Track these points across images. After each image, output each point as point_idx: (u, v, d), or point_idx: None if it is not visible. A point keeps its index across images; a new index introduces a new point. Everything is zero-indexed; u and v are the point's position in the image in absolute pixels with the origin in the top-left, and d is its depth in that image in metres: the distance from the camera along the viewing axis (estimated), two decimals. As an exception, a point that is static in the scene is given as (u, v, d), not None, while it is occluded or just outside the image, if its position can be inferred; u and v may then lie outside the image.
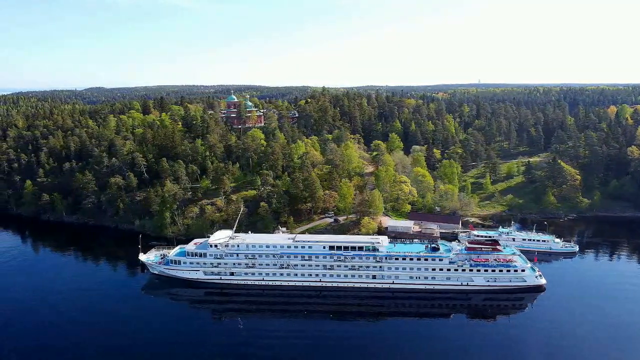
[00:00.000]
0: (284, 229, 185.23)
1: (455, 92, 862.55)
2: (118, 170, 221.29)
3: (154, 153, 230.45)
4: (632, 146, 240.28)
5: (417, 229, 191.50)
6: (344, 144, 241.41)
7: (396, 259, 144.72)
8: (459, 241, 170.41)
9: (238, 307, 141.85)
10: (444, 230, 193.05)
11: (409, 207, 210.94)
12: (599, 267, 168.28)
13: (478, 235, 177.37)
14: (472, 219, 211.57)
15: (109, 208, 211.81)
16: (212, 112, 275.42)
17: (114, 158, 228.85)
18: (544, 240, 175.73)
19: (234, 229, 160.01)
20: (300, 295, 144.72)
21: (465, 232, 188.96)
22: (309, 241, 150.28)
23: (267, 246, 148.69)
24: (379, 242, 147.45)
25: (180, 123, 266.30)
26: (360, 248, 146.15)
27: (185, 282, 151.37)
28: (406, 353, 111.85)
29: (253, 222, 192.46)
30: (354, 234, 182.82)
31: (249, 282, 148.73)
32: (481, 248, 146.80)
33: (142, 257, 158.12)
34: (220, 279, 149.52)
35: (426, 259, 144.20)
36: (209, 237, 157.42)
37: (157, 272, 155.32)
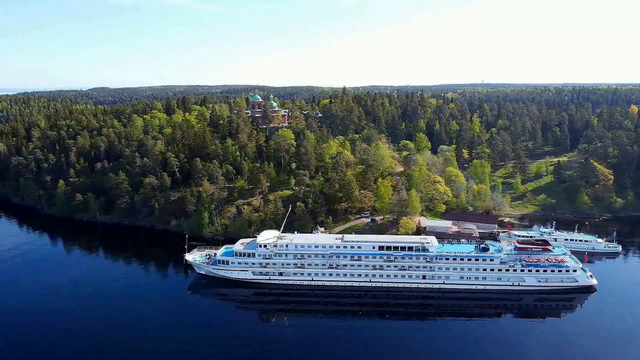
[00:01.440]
0: (322, 229, 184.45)
1: (464, 91, 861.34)
2: (151, 171, 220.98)
3: (185, 153, 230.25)
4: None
5: (455, 229, 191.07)
6: (374, 144, 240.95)
7: (447, 259, 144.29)
8: (499, 241, 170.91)
9: (287, 308, 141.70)
10: (481, 230, 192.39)
11: (443, 207, 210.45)
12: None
13: (519, 236, 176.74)
14: (507, 219, 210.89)
15: (143, 208, 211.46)
16: (239, 111, 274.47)
17: (145, 158, 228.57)
18: (587, 241, 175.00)
19: (282, 229, 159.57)
20: (350, 296, 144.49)
21: (504, 232, 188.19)
22: (358, 241, 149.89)
23: (316, 246, 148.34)
24: (428, 242, 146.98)
25: (206, 123, 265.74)
26: (410, 248, 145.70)
27: (232, 283, 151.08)
28: (457, 353, 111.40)
29: (290, 222, 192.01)
30: (392, 234, 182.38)
31: (298, 283, 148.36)
32: (531, 248, 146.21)
33: (188, 257, 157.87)
34: (269, 279, 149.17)
35: (477, 259, 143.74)
36: (255, 237, 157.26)
37: (203, 272, 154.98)
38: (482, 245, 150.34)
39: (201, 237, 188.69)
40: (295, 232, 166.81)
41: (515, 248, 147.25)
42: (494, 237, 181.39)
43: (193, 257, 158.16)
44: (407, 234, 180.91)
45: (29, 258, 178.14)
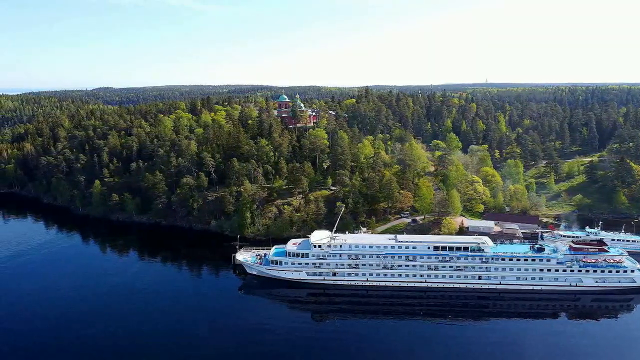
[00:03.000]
0: (364, 229, 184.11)
1: (474, 91, 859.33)
2: (186, 171, 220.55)
3: (220, 153, 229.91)
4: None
5: (497, 229, 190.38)
6: (407, 144, 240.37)
7: (502, 259, 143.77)
8: (542, 239, 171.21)
9: (342, 308, 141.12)
10: (523, 231, 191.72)
11: (482, 207, 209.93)
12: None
13: (566, 236, 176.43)
14: (545, 219, 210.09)
15: (181, 208, 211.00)
16: (269, 112, 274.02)
17: (179, 158, 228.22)
18: (634, 241, 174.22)
19: (334, 229, 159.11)
20: (405, 296, 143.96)
21: (547, 232, 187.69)
22: (412, 241, 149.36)
23: (371, 246, 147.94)
24: (484, 243, 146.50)
25: (239, 123, 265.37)
26: (466, 248, 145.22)
27: (285, 283, 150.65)
28: (513, 354, 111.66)
29: (332, 221, 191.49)
30: (435, 234, 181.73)
31: (352, 283, 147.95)
32: (587, 248, 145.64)
33: (239, 257, 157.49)
34: (323, 280, 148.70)
35: (533, 260, 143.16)
36: (307, 237, 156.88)
37: (255, 273, 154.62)
38: (537, 246, 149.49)
39: (243, 237, 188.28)
40: (335, 231, 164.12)
41: (571, 248, 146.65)
42: (537, 237, 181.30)
43: (244, 257, 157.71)
44: (450, 234, 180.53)
45: (79, 259, 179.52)
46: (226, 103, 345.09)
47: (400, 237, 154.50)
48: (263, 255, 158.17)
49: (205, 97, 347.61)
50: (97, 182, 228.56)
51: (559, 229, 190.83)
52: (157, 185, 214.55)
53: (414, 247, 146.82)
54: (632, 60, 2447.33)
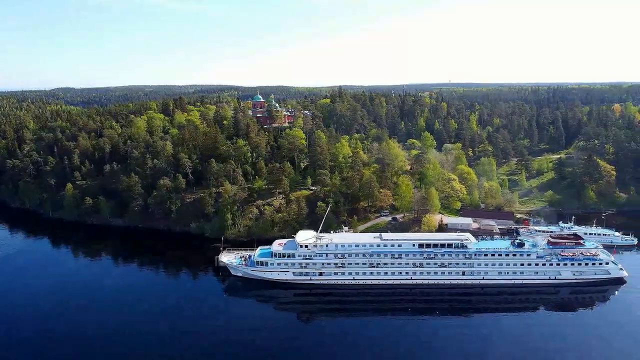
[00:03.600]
0: (346, 228, 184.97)
1: (440, 90, 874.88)
2: (163, 172, 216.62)
3: (196, 154, 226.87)
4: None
5: (475, 225, 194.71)
6: (384, 143, 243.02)
7: (485, 255, 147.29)
8: (518, 235, 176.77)
9: (329, 307, 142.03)
10: (499, 227, 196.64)
11: (459, 204, 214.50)
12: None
13: (541, 231, 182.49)
14: (519, 215, 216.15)
15: (158, 210, 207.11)
16: (244, 112, 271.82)
17: (155, 159, 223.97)
18: (605, 234, 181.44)
19: (319, 229, 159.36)
20: (391, 294, 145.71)
21: (522, 227, 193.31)
22: (397, 239, 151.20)
23: (357, 245, 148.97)
24: (467, 239, 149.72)
25: (216, 124, 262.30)
26: (450, 245, 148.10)
27: (271, 284, 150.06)
28: (499, 347, 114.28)
29: (313, 221, 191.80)
30: (415, 231, 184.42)
31: (339, 282, 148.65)
32: (565, 243, 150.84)
33: (223, 258, 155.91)
34: (310, 280, 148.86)
35: (514, 255, 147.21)
36: (293, 237, 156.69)
37: (240, 274, 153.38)
38: (517, 241, 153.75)
39: (222, 238, 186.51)
40: (320, 231, 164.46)
41: (549, 243, 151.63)
42: (513, 233, 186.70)
43: (228, 259, 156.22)
44: (430, 231, 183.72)
45: (52, 264, 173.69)
46: (199, 103, 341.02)
47: (385, 235, 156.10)
48: (247, 256, 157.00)
49: (177, 98, 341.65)
50: (69, 185, 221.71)
51: (533, 224, 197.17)
52: (133, 187, 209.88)
53: (399, 245, 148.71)
54: (590, 62, 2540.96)
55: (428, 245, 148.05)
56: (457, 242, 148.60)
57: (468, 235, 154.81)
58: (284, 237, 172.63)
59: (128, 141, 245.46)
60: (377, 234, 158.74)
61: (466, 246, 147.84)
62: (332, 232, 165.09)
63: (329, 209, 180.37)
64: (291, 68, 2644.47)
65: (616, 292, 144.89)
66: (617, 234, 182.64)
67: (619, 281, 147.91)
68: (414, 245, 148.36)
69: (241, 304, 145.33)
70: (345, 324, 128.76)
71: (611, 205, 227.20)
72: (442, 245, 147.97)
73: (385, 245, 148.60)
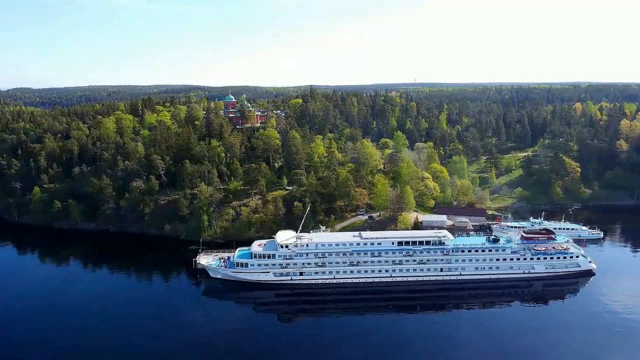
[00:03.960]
0: (324, 227, 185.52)
1: (407, 90, 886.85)
2: (135, 174, 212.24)
3: (169, 155, 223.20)
4: (620, 140, 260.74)
5: (450, 222, 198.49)
6: (358, 142, 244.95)
7: (462, 251, 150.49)
8: (491, 231, 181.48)
9: (311, 307, 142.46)
10: (473, 223, 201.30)
11: (432, 202, 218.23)
12: (625, 249, 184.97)
13: (512, 227, 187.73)
14: (490, 212, 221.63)
15: (131, 213, 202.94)
16: (217, 112, 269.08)
17: (126, 161, 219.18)
18: (573, 229, 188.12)
19: (299, 228, 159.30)
20: (372, 292, 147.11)
21: (494, 224, 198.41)
22: (377, 238, 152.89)
23: (337, 244, 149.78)
24: (445, 236, 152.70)
25: (182, 124, 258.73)
26: (428, 242, 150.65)
27: (251, 285, 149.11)
28: (478, 340, 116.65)
29: (290, 221, 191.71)
30: (392, 229, 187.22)
31: (320, 281, 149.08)
32: (537, 237, 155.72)
33: (202, 261, 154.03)
34: (291, 280, 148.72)
35: (490, 250, 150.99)
36: (273, 238, 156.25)
37: (219, 276, 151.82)
38: (492, 237, 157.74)
39: (200, 240, 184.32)
40: (300, 231, 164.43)
41: (522, 238, 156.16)
42: (486, 229, 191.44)
43: (206, 261, 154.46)
44: (406, 229, 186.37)
45: (19, 271, 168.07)
46: (168, 104, 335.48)
47: (365, 234, 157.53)
48: (227, 258, 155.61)
49: (147, 98, 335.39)
50: (36, 188, 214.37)
51: (504, 220, 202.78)
52: (105, 190, 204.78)
53: (379, 243, 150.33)
54: (549, 63, 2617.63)
55: (407, 243, 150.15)
56: (435, 239, 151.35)
57: (445, 232, 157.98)
58: (261, 238, 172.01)
59: (97, 142, 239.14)
60: (357, 233, 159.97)
61: (444, 243, 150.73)
62: (311, 231, 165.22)
63: (308, 208, 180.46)
64: (258, 68, 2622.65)
65: (586, 284, 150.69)
66: (584, 228, 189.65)
67: (589, 273, 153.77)
68: (393, 243, 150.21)
69: (221, 306, 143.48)
70: (326, 323, 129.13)
71: (577, 200, 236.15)
72: (421, 243, 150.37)
73: (365, 244, 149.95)
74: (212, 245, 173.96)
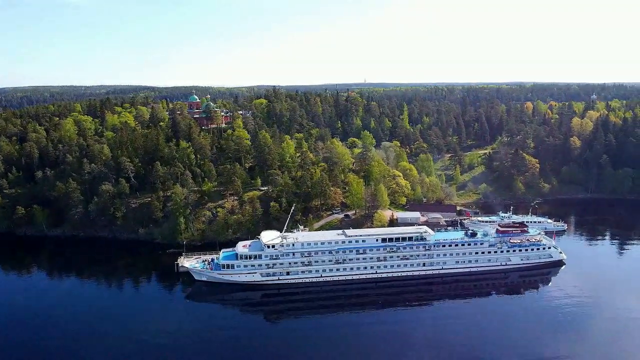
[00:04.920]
0: (302, 227, 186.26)
1: (362, 90, 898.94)
2: (104, 177, 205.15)
3: (138, 157, 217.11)
4: (574, 137, 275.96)
5: (423, 219, 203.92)
6: (329, 142, 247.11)
7: (443, 246, 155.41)
8: (463, 226, 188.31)
9: (299, 306, 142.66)
10: (445, 219, 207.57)
11: (404, 199, 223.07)
12: (586, 240, 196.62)
13: (482, 221, 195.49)
14: (459, 207, 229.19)
15: (100, 218, 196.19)
16: (182, 112, 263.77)
17: (92, 164, 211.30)
18: (540, 222, 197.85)
19: (284, 229, 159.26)
20: (359, 288, 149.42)
21: (465, 219, 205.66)
22: (361, 235, 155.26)
23: (322, 243, 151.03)
24: (426, 232, 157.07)
25: (149, 125, 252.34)
26: (410, 238, 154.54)
27: (238, 286, 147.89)
28: (462, 331, 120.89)
29: (267, 222, 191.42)
30: (368, 227, 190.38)
31: (306, 280, 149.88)
32: (512, 230, 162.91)
33: (186, 264, 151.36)
34: (278, 279, 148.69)
35: (469, 244, 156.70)
36: (257, 238, 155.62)
37: (204, 279, 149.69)
38: (470, 231, 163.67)
39: (177, 243, 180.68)
40: (285, 231, 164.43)
41: (498, 231, 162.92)
42: (457, 224, 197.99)
43: (190, 263, 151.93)
44: (383, 226, 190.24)
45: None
46: (127, 105, 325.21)
47: (349, 232, 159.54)
48: (210, 260, 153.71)
49: (105, 99, 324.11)
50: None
51: (473, 215, 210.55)
52: (72, 194, 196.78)
53: (363, 241, 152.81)
54: (494, 64, 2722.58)
55: (390, 240, 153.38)
56: (417, 234, 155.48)
57: (426, 227, 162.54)
58: (239, 239, 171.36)
59: (59, 145, 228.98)
60: (340, 231, 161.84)
61: (425, 238, 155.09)
62: (294, 231, 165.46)
63: (293, 207, 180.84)
64: (207, 68, 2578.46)
65: (557, 274, 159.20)
66: (549, 220, 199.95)
67: (559, 264, 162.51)
68: (377, 240, 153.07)
69: (207, 308, 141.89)
70: (314, 322, 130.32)
71: (537, 194, 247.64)
72: (404, 239, 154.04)
73: (350, 242, 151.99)
74: (190, 248, 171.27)
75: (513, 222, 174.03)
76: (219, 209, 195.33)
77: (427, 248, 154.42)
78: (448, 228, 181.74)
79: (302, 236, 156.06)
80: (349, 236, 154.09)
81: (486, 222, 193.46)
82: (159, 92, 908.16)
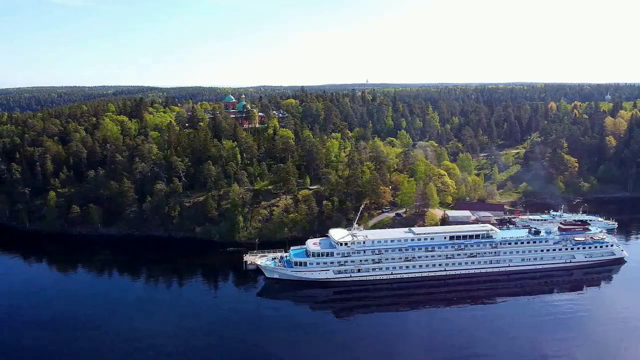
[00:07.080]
0: (356, 225, 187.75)
1: (372, 91, 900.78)
2: (156, 176, 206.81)
3: (188, 156, 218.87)
4: (609, 136, 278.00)
5: (474, 217, 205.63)
6: (371, 142, 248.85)
7: (509, 243, 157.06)
8: (514, 224, 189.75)
9: (370, 303, 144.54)
10: (495, 217, 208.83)
11: (450, 198, 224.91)
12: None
13: (533, 219, 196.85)
14: (507, 206, 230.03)
15: (154, 217, 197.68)
16: (221, 112, 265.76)
17: (143, 163, 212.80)
18: (591, 220, 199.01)
19: (354, 226, 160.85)
20: (427, 286, 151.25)
21: (514, 217, 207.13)
22: (429, 233, 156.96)
23: (392, 241, 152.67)
24: (492, 230, 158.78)
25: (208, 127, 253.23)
26: (478, 236, 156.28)
27: (309, 284, 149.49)
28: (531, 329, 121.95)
29: (321, 220, 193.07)
30: (420, 225, 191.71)
31: (376, 277, 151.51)
32: (574, 228, 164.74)
33: (257, 261, 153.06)
34: (350, 277, 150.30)
35: (534, 242, 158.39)
36: (326, 236, 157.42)
37: (276, 276, 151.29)
38: (533, 229, 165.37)
39: (235, 242, 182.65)
40: (353, 228, 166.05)
41: (560, 229, 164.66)
42: (506, 223, 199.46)
43: (261, 261, 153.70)
44: (435, 224, 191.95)
45: (54, 286, 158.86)
46: (158, 105, 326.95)
47: (416, 229, 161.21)
48: (280, 257, 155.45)
49: (139, 99, 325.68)
50: (52, 193, 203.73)
51: (524, 214, 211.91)
52: (126, 193, 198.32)
53: (432, 238, 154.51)
54: (502, 64, 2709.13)
55: (458, 237, 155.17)
56: (484, 232, 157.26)
57: (491, 225, 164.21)
58: (294, 238, 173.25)
59: (106, 145, 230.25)
60: (407, 229, 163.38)
61: (492, 236, 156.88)
62: (349, 229, 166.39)
63: (363, 205, 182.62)
64: (211, 69, 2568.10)
65: (620, 271, 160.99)
66: (600, 219, 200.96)
67: (621, 261, 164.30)
68: (445, 237, 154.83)
69: (279, 305, 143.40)
70: (385, 319, 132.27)
71: (576, 194, 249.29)
72: (471, 237, 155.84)
73: (419, 239, 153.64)
74: (249, 246, 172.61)
75: (574, 221, 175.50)
76: (274, 208, 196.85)
77: (493, 246, 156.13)
78: (510, 226, 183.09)
79: (371, 234, 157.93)
80: (418, 234, 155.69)
81: (539, 220, 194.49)
82: (166, 92, 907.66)
